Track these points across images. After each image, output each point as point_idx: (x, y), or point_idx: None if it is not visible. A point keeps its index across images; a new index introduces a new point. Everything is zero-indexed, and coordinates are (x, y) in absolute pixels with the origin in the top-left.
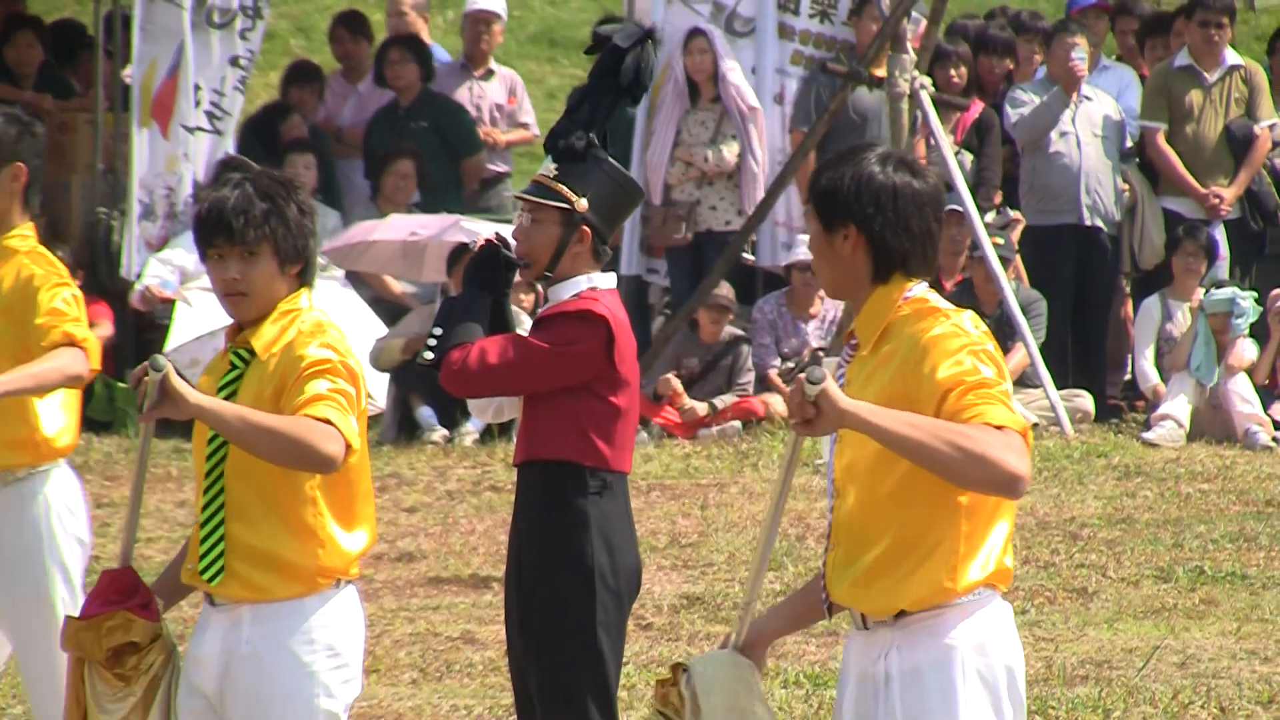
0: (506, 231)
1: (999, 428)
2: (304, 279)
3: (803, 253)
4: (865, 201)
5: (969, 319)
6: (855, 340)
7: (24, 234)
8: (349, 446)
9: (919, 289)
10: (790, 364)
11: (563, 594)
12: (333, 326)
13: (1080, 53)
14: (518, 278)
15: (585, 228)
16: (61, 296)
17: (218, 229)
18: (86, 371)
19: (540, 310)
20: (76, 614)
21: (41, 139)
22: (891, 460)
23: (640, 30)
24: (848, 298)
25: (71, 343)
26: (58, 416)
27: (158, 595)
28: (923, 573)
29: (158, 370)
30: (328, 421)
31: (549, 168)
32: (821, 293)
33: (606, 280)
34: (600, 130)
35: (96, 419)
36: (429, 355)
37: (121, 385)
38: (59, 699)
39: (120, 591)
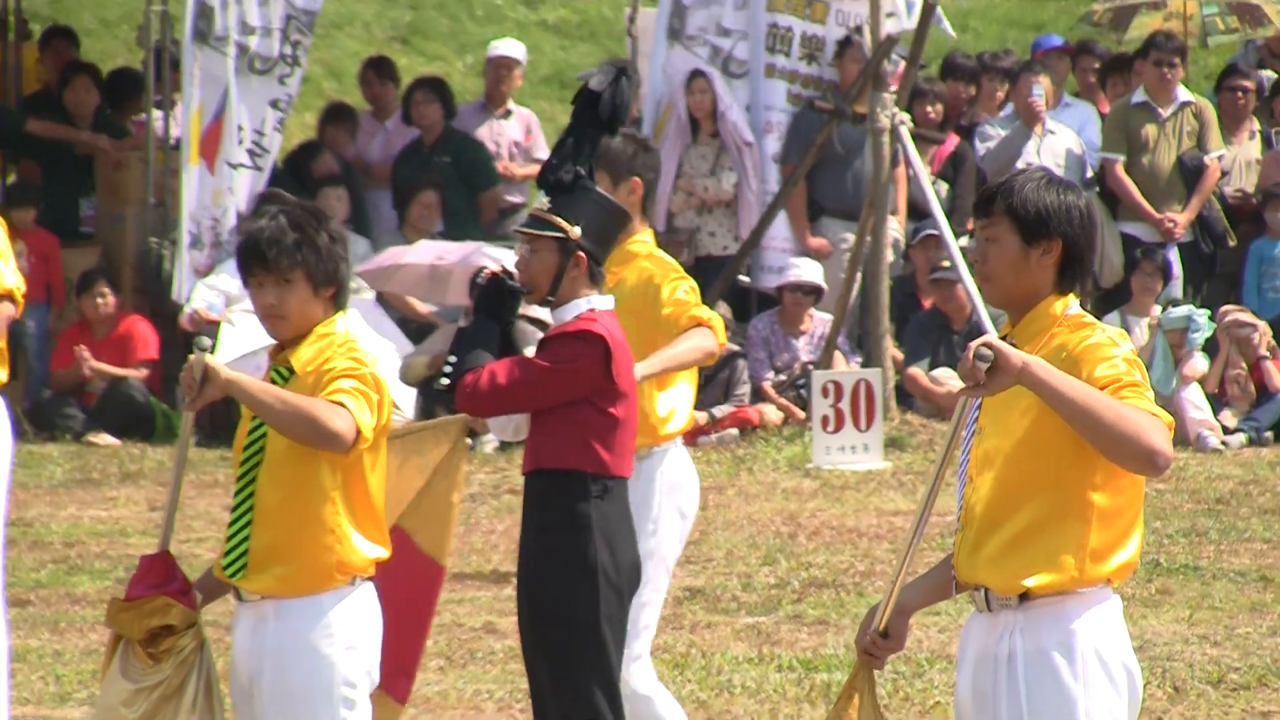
0: (510, 258)
1: (1153, 415)
2: (338, 302)
3: (793, 275)
4: (1077, 218)
5: (1118, 334)
6: (1011, 343)
7: (644, 239)
8: (360, 434)
9: (1076, 305)
10: (782, 376)
11: (568, 590)
12: (363, 349)
13: (1039, 90)
14: (524, 305)
15: (580, 253)
16: (681, 288)
17: (254, 258)
18: (717, 347)
19: (545, 333)
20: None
21: (656, 155)
22: (1030, 450)
23: (614, 69)
24: (1015, 307)
25: (699, 324)
26: (669, 401)
27: (199, 591)
28: (1051, 559)
29: (202, 349)
30: (341, 405)
31: (543, 201)
32: (811, 311)
33: (604, 302)
34: (587, 163)
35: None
36: (444, 380)
37: (164, 407)
38: None
39: (159, 575)
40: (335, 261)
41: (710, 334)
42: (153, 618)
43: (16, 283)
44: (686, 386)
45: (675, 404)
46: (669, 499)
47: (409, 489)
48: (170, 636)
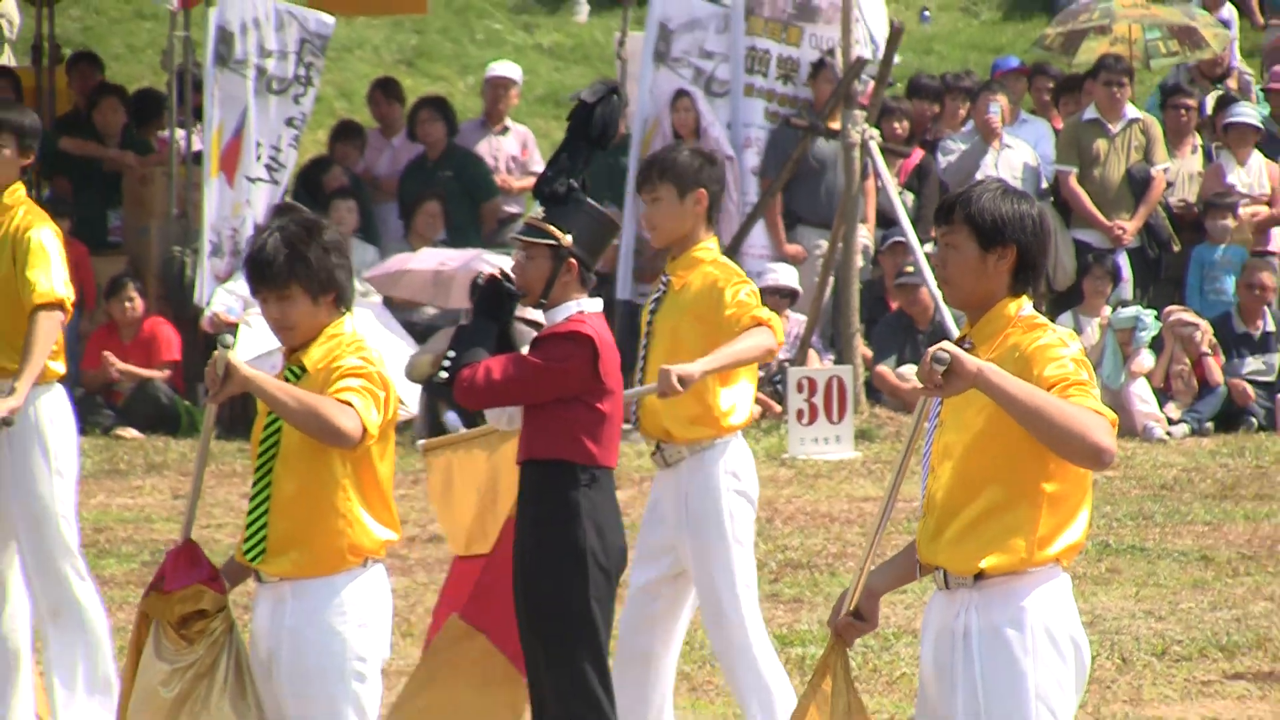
0: (508, 263)
1: (1097, 414)
2: (340, 303)
3: (771, 279)
4: (1029, 226)
5: (1068, 335)
6: (969, 343)
7: (708, 246)
8: (365, 431)
9: (1029, 307)
10: (761, 374)
11: (560, 573)
12: (370, 347)
13: (995, 108)
14: (519, 308)
15: (572, 260)
16: (743, 291)
17: (254, 277)
18: (776, 345)
19: (538, 333)
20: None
21: (721, 167)
22: (985, 444)
23: (605, 87)
24: (973, 308)
25: (760, 324)
26: (731, 396)
27: (225, 576)
28: (1003, 542)
29: (225, 347)
30: (349, 404)
31: (538, 212)
32: (787, 312)
33: (593, 305)
34: (579, 176)
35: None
36: (444, 375)
37: (187, 404)
38: None
39: (188, 563)
40: (328, 270)
41: (770, 333)
42: (185, 604)
43: (67, 293)
44: (747, 383)
45: (737, 399)
46: (734, 487)
47: (510, 483)
48: (202, 620)
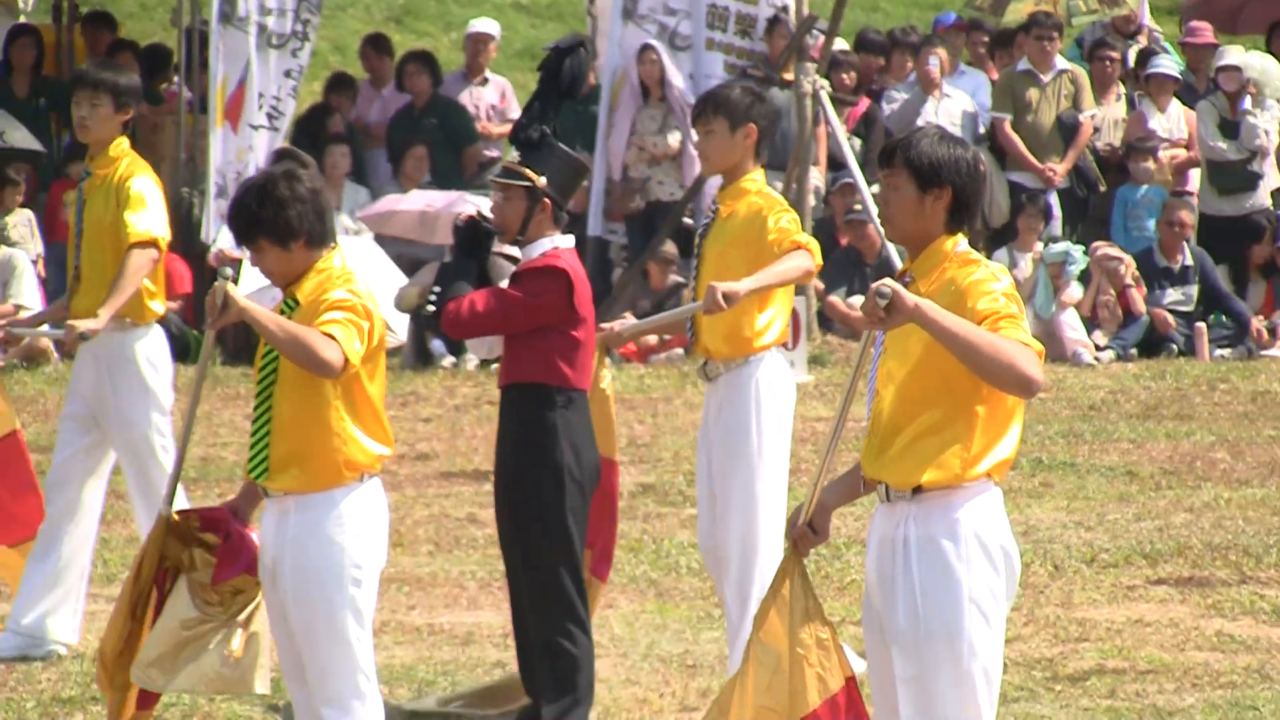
0: (486, 204)
1: (1025, 345)
2: (313, 244)
3: None
4: (964, 169)
5: (1000, 270)
6: (910, 277)
7: (754, 178)
8: (347, 360)
9: (964, 243)
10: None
11: (538, 487)
12: (359, 280)
13: (935, 61)
14: (497, 244)
15: (546, 199)
16: (785, 219)
17: (234, 235)
18: (814, 267)
19: (516, 268)
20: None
21: (771, 105)
22: (924, 370)
23: (575, 39)
24: (913, 244)
25: (799, 247)
26: (767, 316)
27: (243, 500)
28: (940, 459)
29: (225, 278)
30: (330, 336)
31: (514, 156)
32: None
33: (566, 241)
34: (551, 123)
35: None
36: (430, 308)
37: (195, 334)
38: None
39: (232, 557)
40: (287, 221)
41: (809, 255)
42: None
43: (162, 234)
44: (782, 306)
45: (772, 318)
46: (768, 401)
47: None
48: (239, 595)
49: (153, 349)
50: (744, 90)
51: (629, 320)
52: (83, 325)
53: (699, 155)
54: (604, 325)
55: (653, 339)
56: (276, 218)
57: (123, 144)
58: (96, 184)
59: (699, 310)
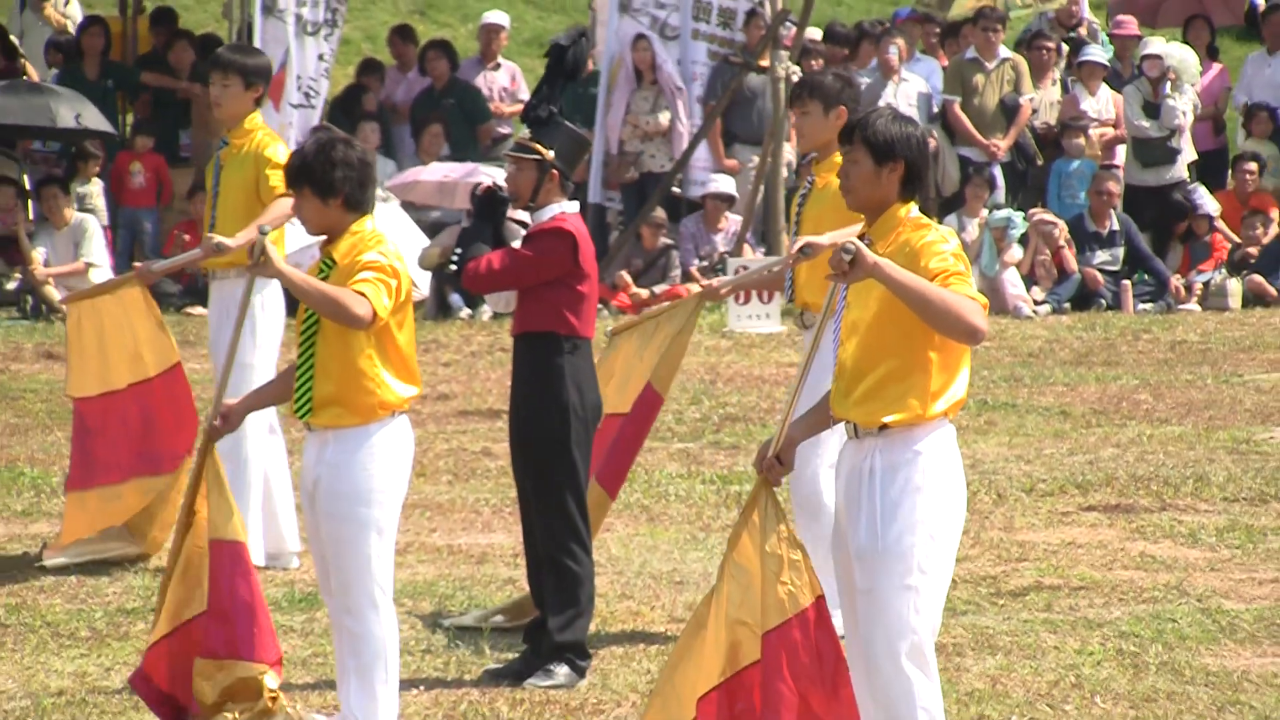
0: (501, 175)
1: (971, 299)
2: (350, 206)
3: (713, 186)
4: (914, 145)
5: (949, 232)
6: (869, 239)
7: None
8: (375, 315)
9: (916, 210)
10: (705, 263)
11: (547, 424)
12: (389, 241)
13: (894, 50)
14: (510, 210)
15: (554, 170)
16: None
17: (285, 178)
18: None
19: (527, 230)
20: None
21: (858, 89)
22: (883, 322)
23: (576, 31)
24: (871, 211)
25: None
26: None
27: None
28: (902, 401)
29: (264, 234)
30: (362, 294)
31: (525, 132)
32: (726, 214)
33: (572, 206)
34: (557, 103)
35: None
36: (453, 267)
37: None
38: None
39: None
40: (331, 180)
41: None
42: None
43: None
44: None
45: None
46: None
47: (657, 349)
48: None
49: (269, 295)
50: (835, 77)
51: (727, 277)
52: (219, 238)
53: (796, 133)
54: (705, 282)
55: (644, 294)
56: (324, 173)
57: (256, 117)
58: (234, 152)
59: (787, 262)
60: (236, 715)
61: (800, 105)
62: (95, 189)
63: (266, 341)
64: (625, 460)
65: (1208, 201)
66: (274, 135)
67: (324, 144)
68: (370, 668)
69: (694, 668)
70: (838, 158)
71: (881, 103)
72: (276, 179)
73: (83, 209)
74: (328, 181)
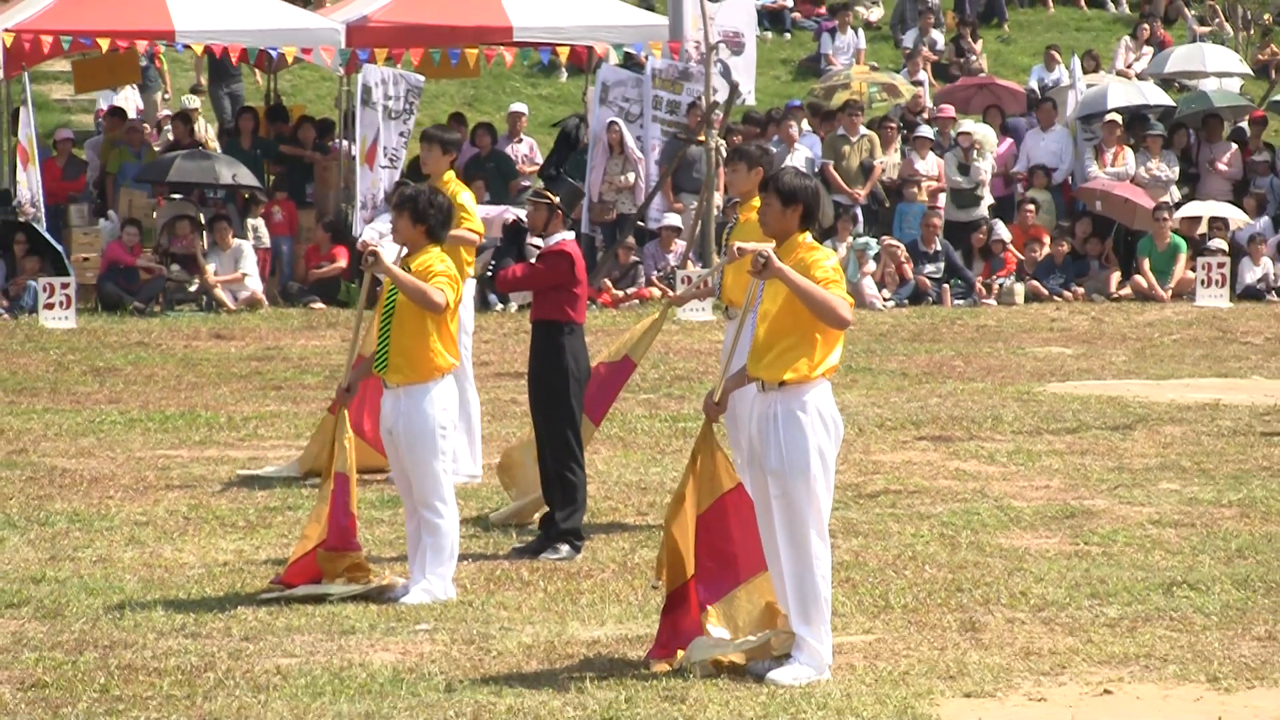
0: (523, 213)
1: (842, 298)
2: (430, 236)
3: (667, 221)
4: (809, 193)
5: (830, 253)
6: (778, 255)
7: (757, 200)
8: (447, 304)
9: (810, 237)
10: (661, 273)
11: (554, 383)
12: (448, 260)
13: (794, 129)
14: (529, 237)
15: (559, 211)
16: None
17: (397, 203)
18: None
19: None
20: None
21: (772, 154)
22: (784, 311)
23: (576, 118)
24: (779, 239)
25: None
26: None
27: (355, 379)
28: (797, 365)
29: (373, 246)
30: (441, 289)
31: (539, 184)
32: (675, 240)
33: (569, 235)
34: (562, 166)
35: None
36: (490, 274)
37: (353, 285)
38: None
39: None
40: (421, 212)
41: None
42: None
43: (478, 226)
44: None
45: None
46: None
47: (639, 332)
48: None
49: (465, 296)
50: (757, 146)
51: (682, 289)
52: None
53: (726, 184)
54: (672, 295)
55: (620, 295)
56: (423, 208)
57: (450, 175)
58: None
59: (723, 261)
60: (348, 580)
61: (731, 165)
62: (260, 223)
63: (466, 328)
64: (606, 402)
65: (1002, 231)
66: (462, 186)
67: (429, 190)
68: (440, 546)
69: (681, 526)
70: (756, 201)
71: (785, 164)
72: (464, 215)
73: (256, 236)
74: (421, 212)
